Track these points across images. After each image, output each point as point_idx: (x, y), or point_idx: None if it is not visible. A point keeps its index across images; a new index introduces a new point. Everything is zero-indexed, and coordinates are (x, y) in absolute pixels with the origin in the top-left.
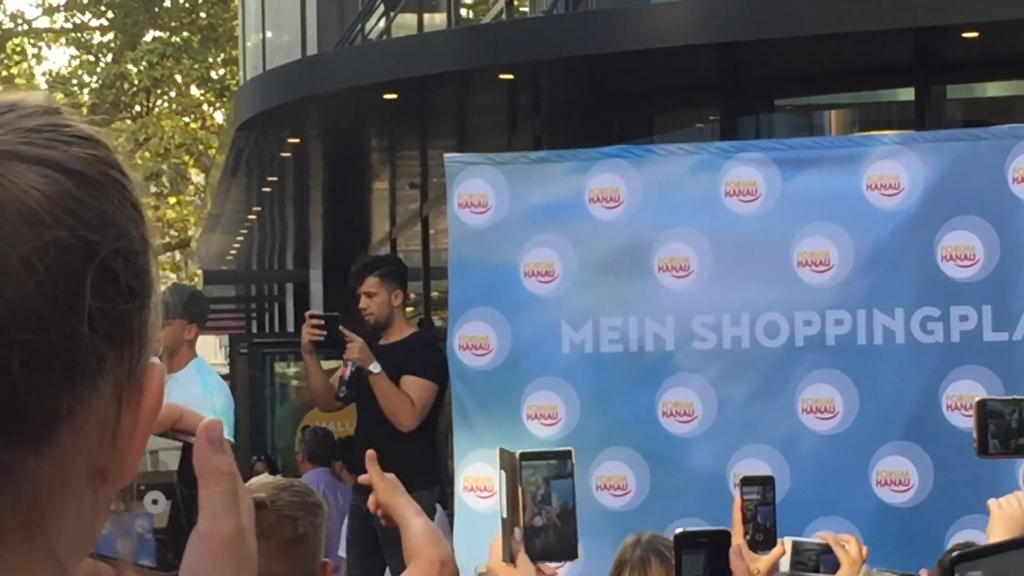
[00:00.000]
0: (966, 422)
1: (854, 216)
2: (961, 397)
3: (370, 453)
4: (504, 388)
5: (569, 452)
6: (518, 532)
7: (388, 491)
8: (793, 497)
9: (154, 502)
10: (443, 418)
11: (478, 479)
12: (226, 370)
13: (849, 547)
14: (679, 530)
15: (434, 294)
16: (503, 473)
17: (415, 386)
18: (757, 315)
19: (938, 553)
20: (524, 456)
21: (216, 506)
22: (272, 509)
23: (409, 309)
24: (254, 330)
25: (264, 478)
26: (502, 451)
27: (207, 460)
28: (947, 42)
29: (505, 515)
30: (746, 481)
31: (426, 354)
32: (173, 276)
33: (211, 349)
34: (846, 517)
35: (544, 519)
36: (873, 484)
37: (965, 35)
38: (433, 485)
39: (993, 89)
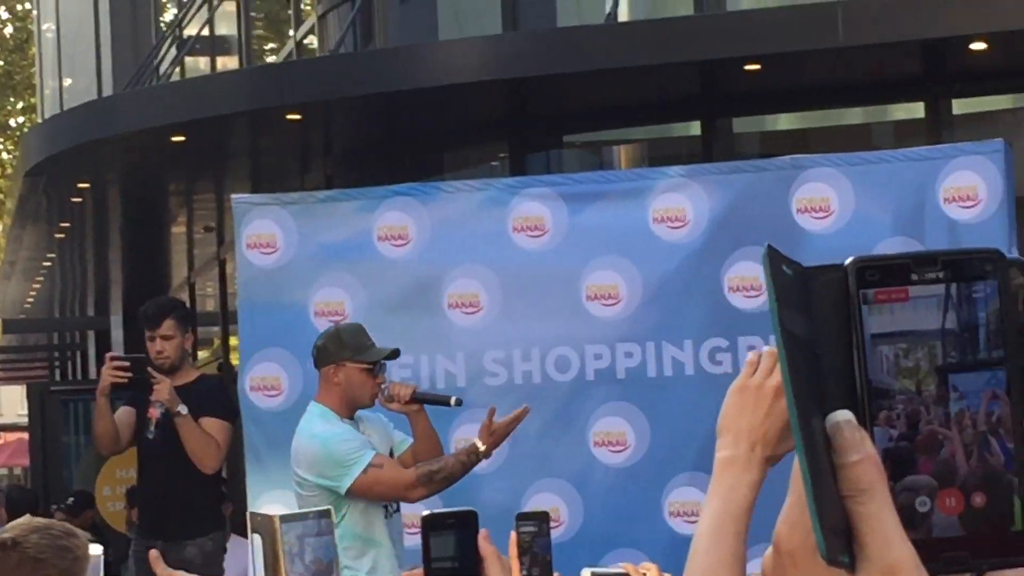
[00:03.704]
0: None
1: (641, 249)
2: None
3: (153, 553)
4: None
5: (329, 511)
6: None
7: None
8: (587, 530)
9: None
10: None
11: None
12: (26, 420)
13: (650, 575)
14: (426, 512)
15: (233, 339)
16: (256, 536)
17: (216, 427)
18: (547, 349)
19: None
20: (284, 519)
21: None
22: (16, 550)
23: (205, 353)
24: (57, 378)
25: (27, 519)
26: (253, 515)
27: None
28: (730, 74)
29: None
30: (522, 516)
31: (219, 395)
32: None
33: (15, 399)
34: (640, 549)
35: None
36: (666, 515)
37: (747, 67)
38: (220, 529)
39: (778, 122)
